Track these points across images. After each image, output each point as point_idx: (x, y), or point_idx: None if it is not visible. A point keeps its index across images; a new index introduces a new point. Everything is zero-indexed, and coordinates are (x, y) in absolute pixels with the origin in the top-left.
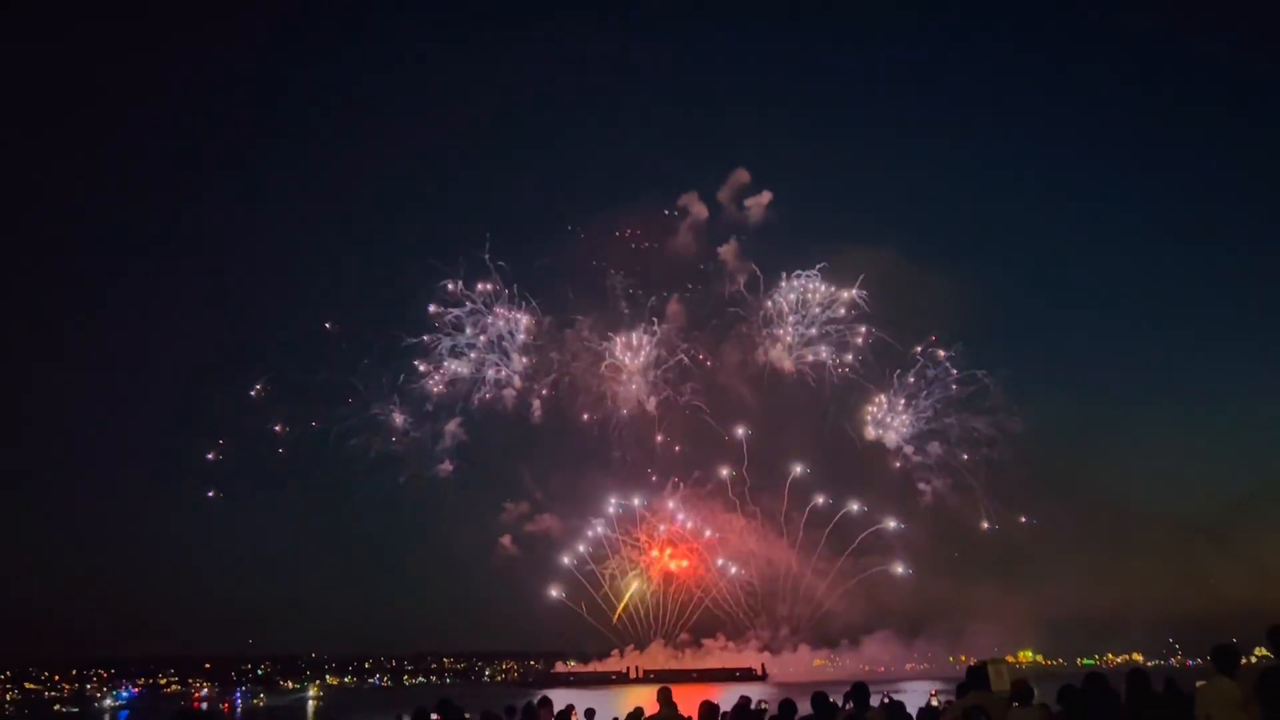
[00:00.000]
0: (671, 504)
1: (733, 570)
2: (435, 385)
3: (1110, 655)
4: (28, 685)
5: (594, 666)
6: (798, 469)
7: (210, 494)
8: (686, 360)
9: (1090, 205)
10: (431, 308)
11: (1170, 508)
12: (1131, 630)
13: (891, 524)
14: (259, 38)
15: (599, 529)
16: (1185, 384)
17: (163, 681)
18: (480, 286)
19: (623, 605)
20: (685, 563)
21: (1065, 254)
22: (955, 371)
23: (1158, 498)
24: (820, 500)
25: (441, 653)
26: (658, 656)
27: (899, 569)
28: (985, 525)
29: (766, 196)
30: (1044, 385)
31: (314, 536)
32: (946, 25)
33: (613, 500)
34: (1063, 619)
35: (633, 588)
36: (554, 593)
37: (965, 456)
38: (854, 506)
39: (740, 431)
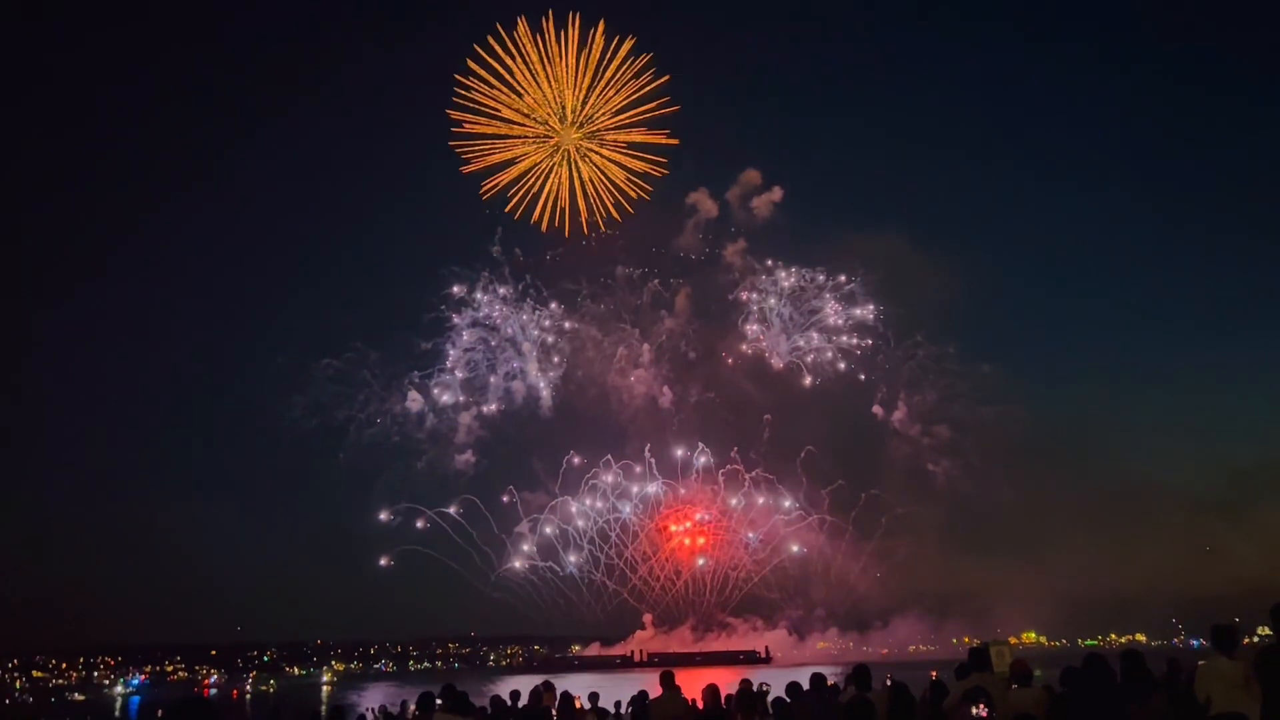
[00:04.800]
0: (689, 491)
1: (750, 535)
2: (449, 378)
3: (1114, 635)
4: (35, 673)
5: (597, 650)
6: (811, 451)
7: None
8: (694, 356)
9: (1088, 187)
10: (443, 308)
11: (1179, 482)
12: (1143, 609)
13: (899, 510)
14: (271, 38)
15: (620, 513)
16: (1188, 359)
17: (169, 669)
18: (490, 280)
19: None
20: (703, 540)
21: (1065, 237)
22: (958, 356)
23: (1166, 473)
24: (839, 484)
25: (446, 637)
26: (686, 636)
27: (910, 549)
28: (996, 505)
29: (777, 193)
30: (1049, 368)
31: (321, 523)
32: (954, 18)
33: (632, 487)
34: (1076, 598)
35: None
36: (572, 569)
37: (972, 439)
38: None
39: (761, 418)
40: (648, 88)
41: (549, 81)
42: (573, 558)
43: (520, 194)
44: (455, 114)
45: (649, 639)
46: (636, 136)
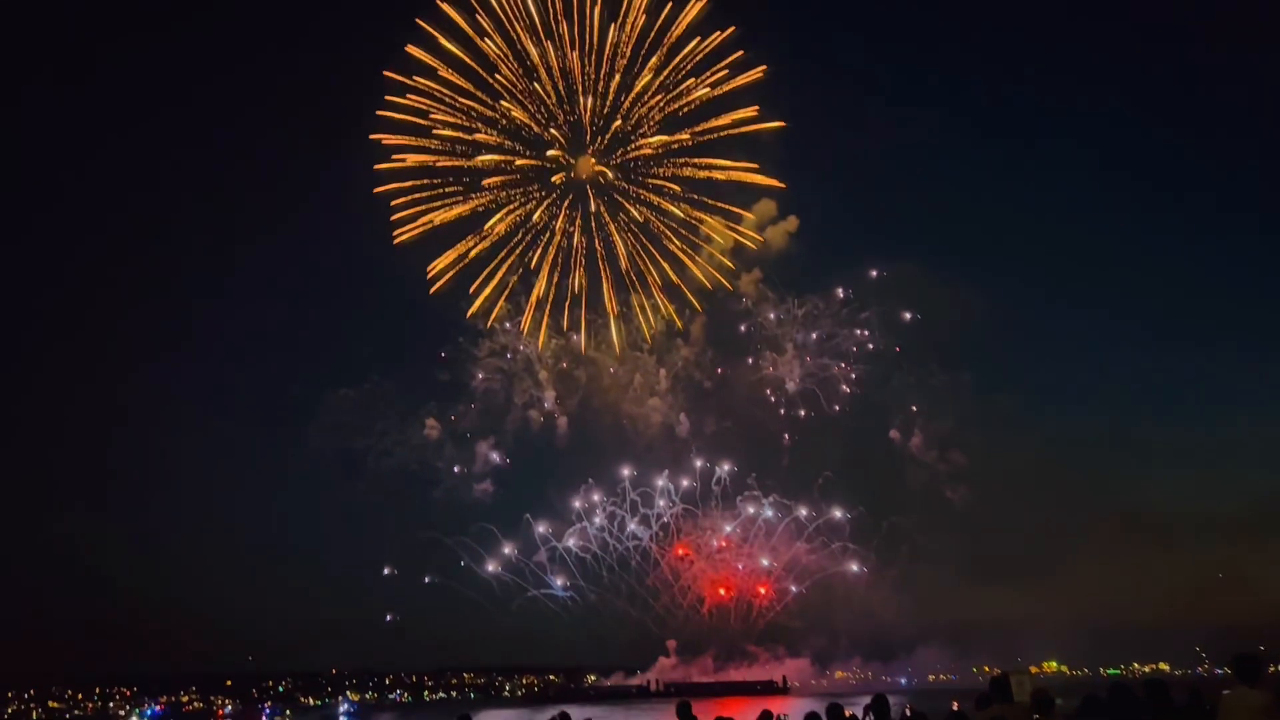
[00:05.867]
0: (709, 518)
1: (792, 588)
2: (466, 408)
3: (1136, 664)
4: (51, 704)
5: (620, 680)
6: (829, 478)
7: None
8: (710, 384)
9: (1106, 213)
10: (460, 339)
11: (1201, 508)
12: (1166, 637)
13: (919, 537)
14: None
15: (639, 540)
16: (1208, 383)
17: (184, 699)
18: (507, 310)
19: None
20: (722, 591)
21: (1081, 262)
22: (973, 383)
23: (1188, 499)
24: (859, 510)
25: (462, 667)
26: (709, 666)
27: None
28: (1016, 533)
29: (793, 222)
30: (1067, 396)
31: (337, 552)
32: (975, 38)
33: (651, 514)
34: (1098, 626)
35: None
36: (592, 597)
37: (989, 466)
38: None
39: (776, 446)
40: (730, 84)
41: (549, 65)
42: (592, 585)
43: (496, 281)
44: (385, 138)
45: (672, 667)
46: (714, 170)
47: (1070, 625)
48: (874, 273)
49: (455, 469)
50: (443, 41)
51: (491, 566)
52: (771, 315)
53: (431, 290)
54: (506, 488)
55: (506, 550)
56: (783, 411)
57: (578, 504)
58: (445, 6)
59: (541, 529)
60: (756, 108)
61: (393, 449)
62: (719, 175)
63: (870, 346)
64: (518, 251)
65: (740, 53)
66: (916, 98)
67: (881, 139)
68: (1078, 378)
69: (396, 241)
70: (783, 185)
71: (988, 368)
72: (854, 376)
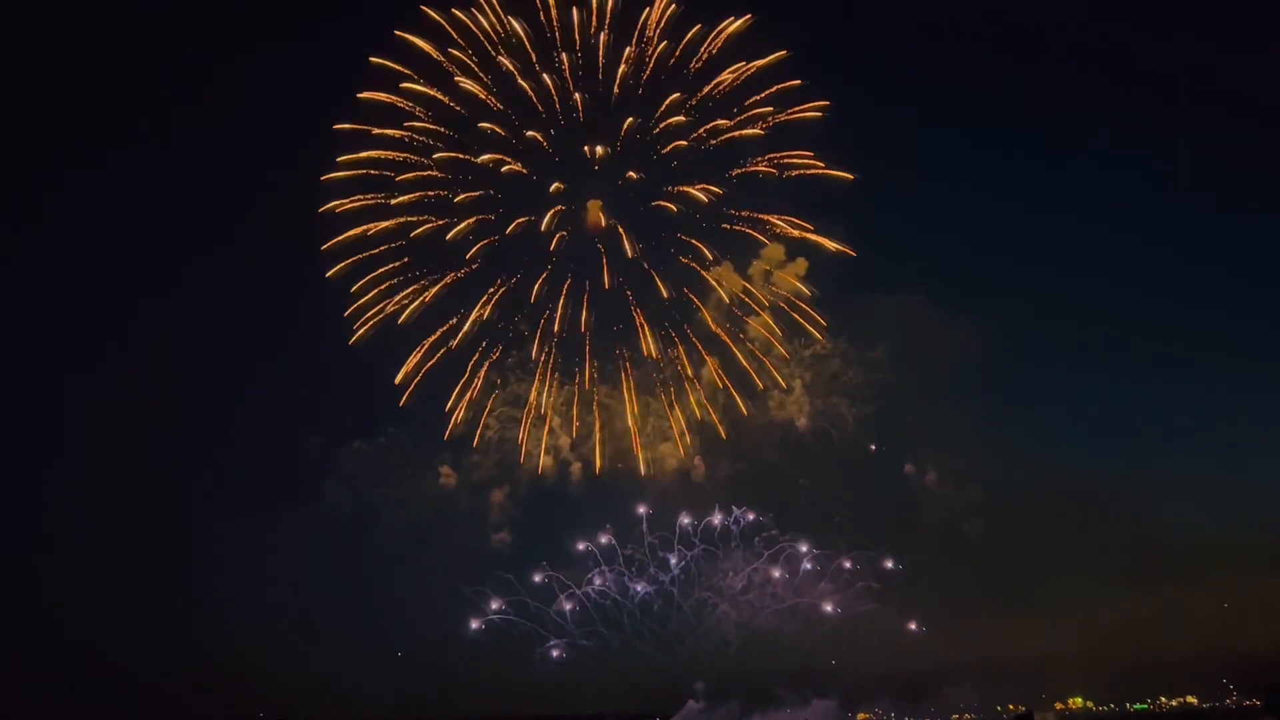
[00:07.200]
0: (728, 560)
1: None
2: (482, 457)
3: (1164, 698)
4: None
5: None
6: (846, 516)
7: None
8: (724, 427)
9: (1119, 241)
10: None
11: (1226, 536)
12: (1193, 670)
13: (939, 573)
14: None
15: (660, 584)
16: (1231, 407)
17: None
18: (519, 357)
19: None
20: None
21: (1096, 289)
22: (987, 416)
23: (1213, 527)
24: (880, 547)
25: (483, 717)
26: (735, 710)
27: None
28: (1037, 567)
29: (802, 265)
30: (1085, 425)
31: (352, 605)
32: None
33: (670, 558)
34: (1124, 660)
35: None
36: (615, 643)
37: (1007, 500)
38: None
39: (792, 486)
40: (779, 118)
41: (547, 100)
42: (614, 631)
43: (477, 387)
44: (339, 204)
45: (699, 712)
46: (765, 229)
47: (1095, 660)
48: (881, 307)
49: (470, 518)
50: (409, 85)
51: (507, 615)
52: (778, 354)
53: (401, 403)
54: (523, 536)
55: (564, 623)
56: (789, 452)
57: (595, 550)
58: (410, 39)
59: (559, 576)
60: (811, 152)
61: (408, 500)
62: (760, 235)
63: (880, 382)
64: (499, 349)
65: (798, 82)
66: (922, 133)
67: (892, 174)
68: (1091, 409)
69: (353, 341)
70: (853, 253)
71: (998, 401)
72: (864, 414)
